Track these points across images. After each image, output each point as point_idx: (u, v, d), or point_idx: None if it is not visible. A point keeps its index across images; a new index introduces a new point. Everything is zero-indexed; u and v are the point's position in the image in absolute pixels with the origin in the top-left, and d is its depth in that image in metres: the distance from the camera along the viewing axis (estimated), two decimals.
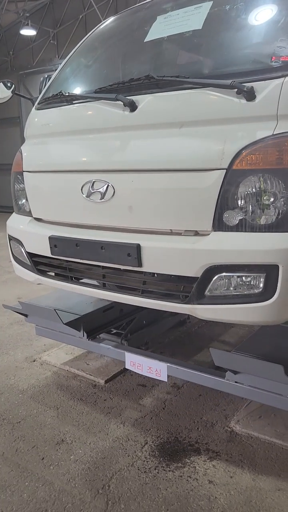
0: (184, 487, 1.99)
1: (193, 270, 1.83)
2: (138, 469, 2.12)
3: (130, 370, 3.02)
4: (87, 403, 2.70)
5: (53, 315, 2.67)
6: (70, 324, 2.69)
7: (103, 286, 2.25)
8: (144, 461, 2.18)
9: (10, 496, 1.98)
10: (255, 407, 2.54)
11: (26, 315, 2.98)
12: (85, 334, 2.72)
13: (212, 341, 3.48)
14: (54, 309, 2.67)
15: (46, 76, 2.94)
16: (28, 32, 12.79)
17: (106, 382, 2.92)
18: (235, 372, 2.07)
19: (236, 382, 2.10)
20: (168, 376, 2.33)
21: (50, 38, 13.08)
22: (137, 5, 2.94)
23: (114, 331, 2.91)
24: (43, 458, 2.23)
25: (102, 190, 2.07)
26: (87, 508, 1.90)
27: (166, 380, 2.37)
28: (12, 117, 14.26)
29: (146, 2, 2.81)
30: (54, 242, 2.30)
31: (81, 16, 12.20)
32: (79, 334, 2.73)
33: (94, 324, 2.82)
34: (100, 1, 11.35)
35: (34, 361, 3.32)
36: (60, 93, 2.39)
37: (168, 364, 2.31)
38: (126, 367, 2.52)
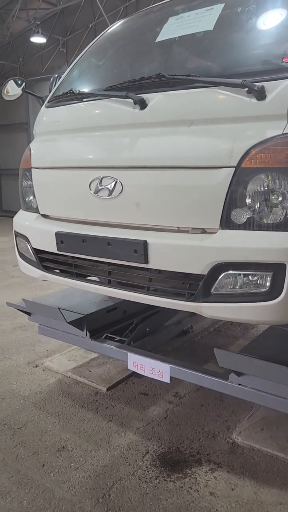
0: (185, 498, 1.98)
1: (200, 267, 1.83)
2: (139, 479, 2.10)
3: (132, 378, 3.03)
4: (88, 410, 2.69)
5: (57, 313, 2.66)
6: (73, 323, 2.68)
7: (109, 283, 2.25)
8: (145, 470, 2.16)
9: (10, 503, 1.97)
10: (257, 419, 2.53)
11: (29, 314, 2.99)
12: (88, 334, 2.71)
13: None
14: (58, 308, 2.67)
15: (56, 75, 2.97)
16: (38, 39, 12.92)
17: (108, 389, 2.91)
18: (238, 374, 2.06)
19: (239, 384, 2.08)
20: (171, 377, 2.31)
21: (59, 46, 13.22)
22: (147, 8, 2.98)
23: (117, 338, 2.91)
24: (43, 465, 2.22)
25: (110, 186, 2.08)
26: None
27: (168, 381, 2.34)
28: (20, 122, 14.39)
29: (155, 5, 2.85)
30: (61, 238, 2.31)
31: (91, 25, 12.34)
32: (82, 333, 2.72)
33: (97, 324, 2.82)
34: (110, 11, 11.48)
35: (36, 366, 3.31)
36: (71, 91, 2.42)
37: (171, 365, 2.30)
38: (128, 368, 2.50)
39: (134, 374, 3.04)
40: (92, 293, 2.88)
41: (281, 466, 2.17)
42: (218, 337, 3.75)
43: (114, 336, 2.88)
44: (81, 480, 2.10)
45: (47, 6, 12.40)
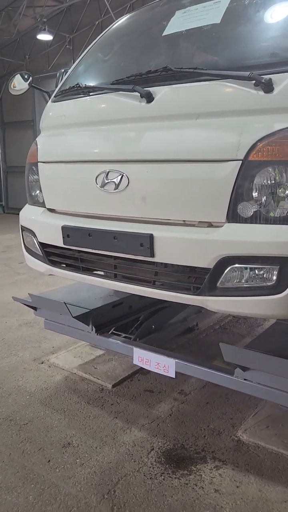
0: (190, 495, 1.98)
1: (206, 261, 1.83)
2: (144, 475, 2.11)
3: (138, 375, 3.03)
4: (94, 407, 2.70)
5: (63, 308, 2.67)
6: (79, 317, 2.69)
7: (114, 277, 2.25)
8: (150, 467, 2.17)
9: (16, 498, 1.99)
10: (262, 417, 2.52)
11: (35, 308, 3.00)
12: (93, 329, 2.72)
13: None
14: (64, 302, 2.68)
15: (63, 70, 2.98)
16: (44, 37, 12.91)
17: (113, 386, 2.92)
18: (244, 369, 2.06)
19: (245, 379, 2.08)
20: (176, 373, 2.31)
21: (66, 43, 13.22)
22: (153, 2, 2.97)
23: (123, 335, 2.92)
24: (49, 461, 2.23)
25: (117, 180, 2.08)
26: None
27: (174, 376, 2.34)
28: (26, 120, 14.42)
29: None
30: (67, 232, 2.32)
31: (97, 22, 12.31)
32: (88, 328, 2.73)
33: (103, 319, 2.83)
34: (116, 8, 11.45)
35: (42, 363, 3.33)
36: (77, 85, 2.42)
37: (176, 360, 2.29)
38: (134, 363, 2.50)
39: (139, 371, 3.05)
40: (98, 288, 2.89)
41: (286, 464, 2.17)
42: (223, 334, 3.75)
43: (120, 333, 2.89)
44: (87, 476, 2.11)
45: (53, 4, 12.39)
